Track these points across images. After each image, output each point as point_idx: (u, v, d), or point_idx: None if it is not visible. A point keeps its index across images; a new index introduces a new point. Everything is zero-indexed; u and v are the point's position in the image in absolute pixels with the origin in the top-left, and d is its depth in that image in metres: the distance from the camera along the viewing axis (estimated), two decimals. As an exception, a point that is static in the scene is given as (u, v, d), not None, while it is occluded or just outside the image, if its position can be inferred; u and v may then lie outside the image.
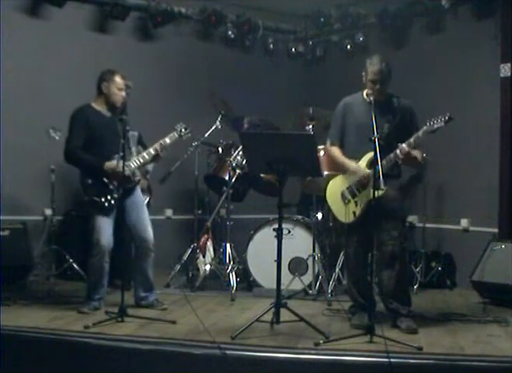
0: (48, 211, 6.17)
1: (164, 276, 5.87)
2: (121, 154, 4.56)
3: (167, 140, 4.97)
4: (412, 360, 3.70)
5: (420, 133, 4.24)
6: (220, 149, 6.07)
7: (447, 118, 4.10)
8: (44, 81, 6.26)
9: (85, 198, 4.85)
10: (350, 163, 4.52)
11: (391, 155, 4.31)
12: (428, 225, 6.18)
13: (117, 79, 4.89)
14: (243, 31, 7.23)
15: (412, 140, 4.28)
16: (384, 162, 4.24)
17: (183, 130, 5.06)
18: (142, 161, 4.93)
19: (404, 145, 4.29)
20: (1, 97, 5.98)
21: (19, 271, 5.70)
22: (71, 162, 4.89)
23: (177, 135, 5.04)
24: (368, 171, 4.39)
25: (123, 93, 4.92)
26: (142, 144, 5.19)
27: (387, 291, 4.48)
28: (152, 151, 4.93)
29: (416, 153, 4.39)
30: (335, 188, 4.67)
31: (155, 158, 4.96)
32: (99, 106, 4.93)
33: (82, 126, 4.85)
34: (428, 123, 4.18)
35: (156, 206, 6.27)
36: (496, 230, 5.87)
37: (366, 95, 4.55)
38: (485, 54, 6.01)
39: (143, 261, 4.97)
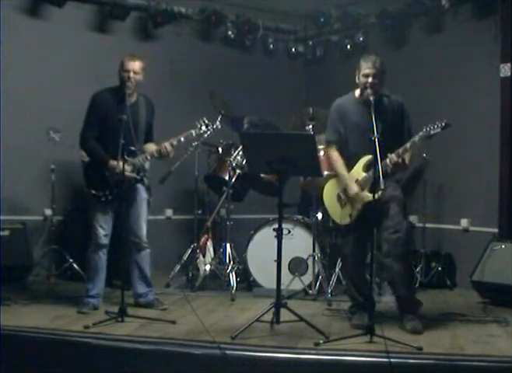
0: (48, 211, 6.18)
1: (164, 276, 5.88)
2: (120, 153, 4.53)
3: (182, 138, 4.91)
4: (412, 360, 3.70)
5: (416, 138, 4.24)
6: (220, 149, 6.06)
7: (443, 124, 4.11)
8: (44, 81, 6.25)
9: (85, 190, 4.88)
10: (345, 176, 4.51)
11: (381, 164, 4.29)
12: (428, 225, 6.18)
13: (124, 62, 4.83)
14: (243, 31, 7.22)
15: (400, 150, 4.28)
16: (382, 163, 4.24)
17: (203, 127, 5.00)
18: (149, 158, 4.90)
19: (393, 155, 4.30)
20: (1, 97, 5.98)
21: (19, 271, 5.71)
22: (83, 149, 4.93)
23: (194, 134, 4.97)
24: (364, 175, 4.40)
25: (134, 76, 4.81)
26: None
27: (396, 281, 4.44)
28: (162, 148, 4.86)
29: (405, 156, 4.38)
30: (332, 189, 4.67)
31: (163, 156, 4.91)
32: (119, 92, 4.87)
33: (98, 112, 4.83)
34: (425, 129, 4.18)
35: (156, 206, 6.25)
36: (496, 230, 5.87)
37: (360, 94, 4.54)
38: (485, 54, 6.00)
39: (138, 257, 4.97)
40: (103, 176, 4.80)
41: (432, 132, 4.15)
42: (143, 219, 4.99)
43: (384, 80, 4.48)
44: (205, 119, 5.04)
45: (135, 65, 4.83)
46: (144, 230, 4.98)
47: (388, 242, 4.38)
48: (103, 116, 4.83)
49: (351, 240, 4.58)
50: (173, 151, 4.88)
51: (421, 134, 4.21)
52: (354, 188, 4.44)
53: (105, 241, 4.88)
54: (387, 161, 4.31)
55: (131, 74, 4.80)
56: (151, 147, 5.00)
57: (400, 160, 4.31)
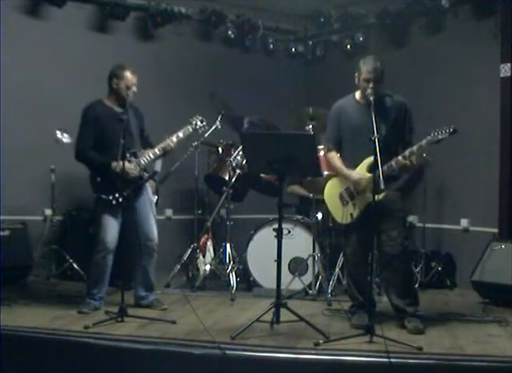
0: (48, 211, 6.18)
1: (164, 276, 5.87)
2: (121, 154, 4.55)
3: (180, 134, 4.92)
4: (411, 360, 3.71)
5: (423, 143, 4.24)
6: (220, 149, 6.07)
7: (451, 130, 4.13)
8: (44, 81, 6.25)
9: (94, 195, 4.84)
10: (350, 173, 4.49)
11: (385, 167, 4.28)
12: (428, 225, 6.17)
13: (127, 75, 4.82)
14: (243, 31, 7.22)
15: (407, 153, 4.30)
16: (385, 167, 4.24)
17: (198, 123, 5.01)
18: (152, 156, 4.89)
19: (400, 157, 4.31)
20: (0, 97, 5.98)
21: (19, 271, 5.70)
22: (81, 161, 4.88)
23: (191, 129, 4.98)
24: (369, 175, 4.39)
25: (134, 89, 4.83)
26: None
27: (392, 291, 4.48)
28: (163, 145, 4.87)
29: (412, 159, 4.39)
30: (334, 189, 4.66)
31: (166, 153, 4.91)
32: (111, 103, 4.88)
33: (92, 123, 4.82)
34: (432, 134, 4.19)
35: (156, 206, 6.26)
36: (496, 230, 5.87)
37: (361, 96, 4.53)
38: (485, 54, 6.01)
39: (146, 261, 4.97)
40: (110, 180, 4.76)
41: (439, 137, 4.16)
42: (153, 221, 4.97)
43: (383, 79, 4.48)
44: (198, 116, 5.04)
45: (135, 78, 4.85)
46: (156, 232, 4.97)
47: (385, 256, 4.43)
48: (99, 128, 4.82)
49: (353, 240, 4.58)
50: (175, 147, 4.90)
51: (429, 138, 4.21)
52: (360, 181, 4.43)
53: (113, 246, 4.84)
54: (393, 163, 4.31)
55: (134, 88, 4.83)
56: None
57: (407, 162, 4.32)
